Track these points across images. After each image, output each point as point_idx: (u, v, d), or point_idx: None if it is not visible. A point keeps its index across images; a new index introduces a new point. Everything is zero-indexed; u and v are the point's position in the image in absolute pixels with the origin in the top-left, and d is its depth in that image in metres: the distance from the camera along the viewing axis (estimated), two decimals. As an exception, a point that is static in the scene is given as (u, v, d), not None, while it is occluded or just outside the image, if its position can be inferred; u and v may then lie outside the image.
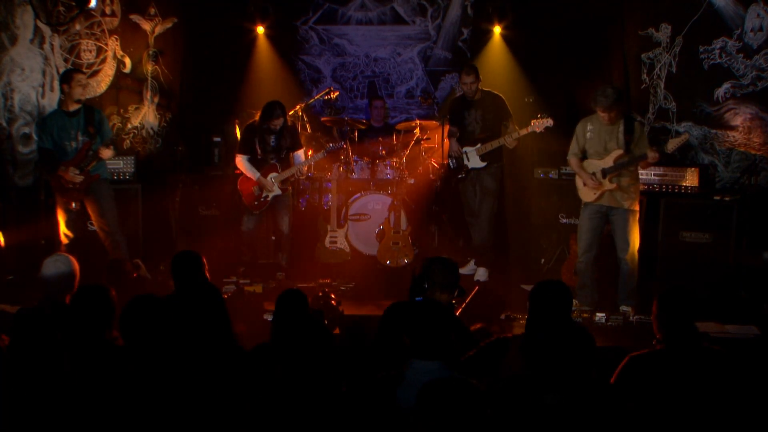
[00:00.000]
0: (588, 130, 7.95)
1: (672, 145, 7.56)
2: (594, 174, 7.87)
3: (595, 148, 7.91)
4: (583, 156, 8.04)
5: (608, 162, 7.79)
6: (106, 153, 8.23)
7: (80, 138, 8.20)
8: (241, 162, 9.25)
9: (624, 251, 7.88)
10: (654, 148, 7.57)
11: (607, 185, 7.80)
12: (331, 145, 9.70)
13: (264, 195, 9.12)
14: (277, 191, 9.11)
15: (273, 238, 9.85)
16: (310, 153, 10.26)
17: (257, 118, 9.16)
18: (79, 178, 8.12)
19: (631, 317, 7.67)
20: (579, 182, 8.09)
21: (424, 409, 3.32)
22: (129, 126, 8.41)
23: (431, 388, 3.39)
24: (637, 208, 7.89)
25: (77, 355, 4.34)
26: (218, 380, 4.31)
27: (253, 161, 9.22)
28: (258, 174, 9.09)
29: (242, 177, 9.28)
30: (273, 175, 9.10)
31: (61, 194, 8.22)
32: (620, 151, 7.72)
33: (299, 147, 9.40)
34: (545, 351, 3.94)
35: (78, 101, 8.19)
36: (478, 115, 9.27)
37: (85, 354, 4.44)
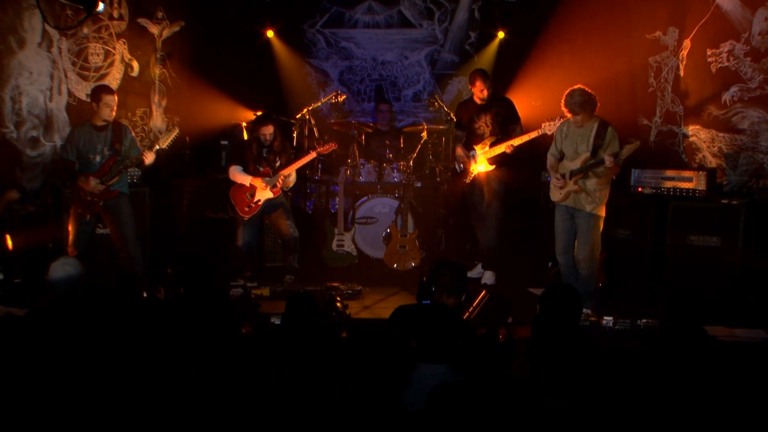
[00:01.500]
0: (564, 132, 8.02)
1: (626, 151, 7.59)
2: (564, 175, 7.92)
3: (568, 150, 7.97)
4: (562, 157, 8.07)
5: (576, 164, 7.81)
6: (150, 156, 8.28)
7: (106, 153, 8.24)
8: (234, 171, 9.17)
9: (581, 254, 7.88)
10: (611, 153, 7.57)
11: (571, 186, 7.83)
12: (321, 147, 9.56)
13: (256, 200, 9.07)
14: (268, 194, 9.07)
15: (280, 241, 9.83)
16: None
17: (246, 138, 9.23)
18: (100, 188, 8.14)
19: (638, 321, 7.64)
20: (551, 183, 8.13)
21: (433, 412, 3.31)
22: (161, 146, 8.42)
23: (440, 393, 3.38)
24: (601, 213, 7.85)
25: (91, 356, 4.35)
26: (226, 382, 4.31)
27: (246, 172, 9.18)
28: (250, 178, 9.06)
29: (234, 186, 9.18)
30: (266, 179, 9.08)
31: (77, 205, 8.23)
32: (587, 154, 7.74)
33: (293, 163, 9.32)
34: (551, 355, 3.93)
35: (106, 120, 8.24)
36: (487, 119, 9.26)
37: (99, 354, 4.45)
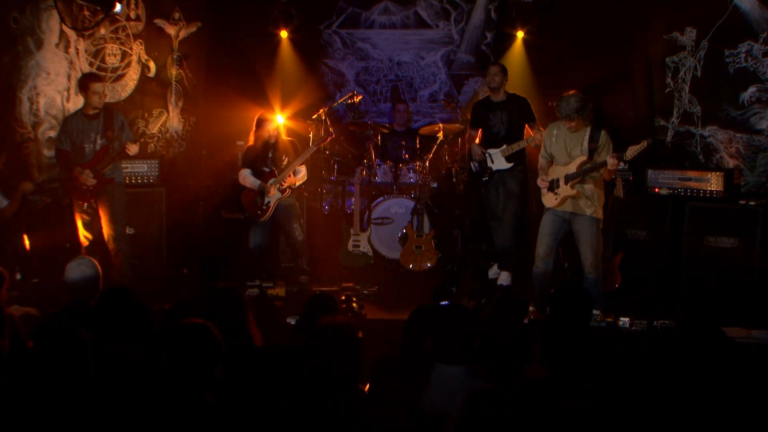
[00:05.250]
0: (554, 135, 7.89)
1: (631, 152, 7.44)
2: (557, 180, 7.81)
3: (560, 154, 7.83)
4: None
5: (572, 168, 7.70)
6: (133, 148, 8.30)
7: (99, 141, 8.29)
8: (243, 175, 9.33)
9: (588, 260, 7.76)
10: (614, 155, 7.48)
11: (568, 191, 7.71)
12: (318, 138, 9.79)
13: (266, 201, 9.13)
14: (277, 194, 9.12)
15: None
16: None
17: (251, 141, 9.30)
18: (92, 182, 8.19)
19: (655, 322, 7.61)
20: (542, 188, 8.04)
21: (470, 420, 3.28)
22: (151, 131, 8.46)
23: (476, 399, 3.35)
24: (600, 216, 7.78)
25: (105, 358, 4.35)
26: (243, 381, 4.31)
27: (255, 175, 9.28)
28: (259, 182, 9.16)
29: (245, 191, 9.32)
30: (271, 180, 9.13)
31: (75, 195, 8.31)
32: (584, 158, 7.65)
33: (300, 163, 9.38)
34: (562, 355, 3.93)
35: (96, 108, 8.28)
36: (503, 117, 9.25)
37: (113, 357, 4.46)
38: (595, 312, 7.61)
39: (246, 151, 9.48)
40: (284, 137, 9.43)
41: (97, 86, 8.26)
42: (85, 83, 8.33)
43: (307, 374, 3.97)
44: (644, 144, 7.47)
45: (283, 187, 9.13)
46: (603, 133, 7.65)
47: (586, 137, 7.65)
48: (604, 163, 7.50)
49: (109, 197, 8.40)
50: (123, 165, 8.76)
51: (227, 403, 3.97)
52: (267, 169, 9.20)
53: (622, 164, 7.73)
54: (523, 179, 9.40)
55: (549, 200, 7.93)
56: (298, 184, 9.35)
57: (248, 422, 3.91)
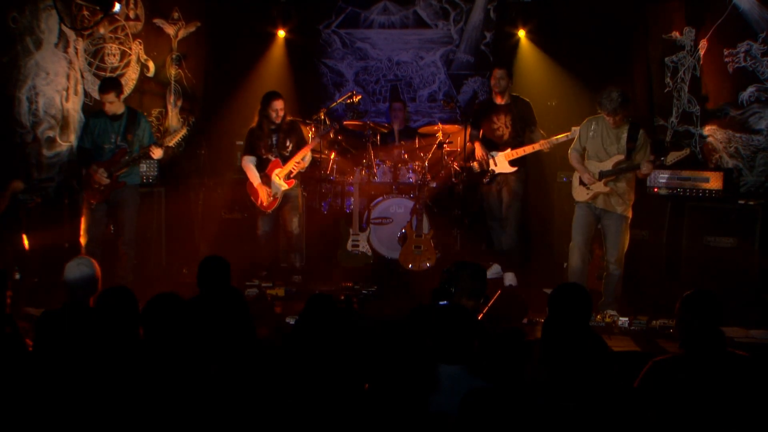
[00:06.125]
0: (591, 130, 7.92)
1: (672, 157, 7.51)
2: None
3: (596, 150, 7.88)
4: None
5: (607, 165, 7.74)
6: (157, 152, 8.32)
7: (118, 143, 8.29)
8: (246, 164, 9.38)
9: (613, 255, 7.87)
10: (651, 159, 7.52)
11: (601, 188, 7.77)
12: (322, 128, 9.81)
13: (273, 192, 9.17)
14: (283, 185, 9.15)
15: (284, 238, 9.85)
16: (332, 155, 10.37)
17: (255, 122, 9.30)
18: (105, 182, 8.19)
19: (654, 321, 7.61)
20: (575, 180, 8.07)
21: (467, 420, 3.27)
22: (167, 144, 8.47)
23: (473, 399, 3.34)
24: (630, 214, 7.86)
25: (104, 356, 4.36)
26: (242, 380, 4.32)
27: (259, 162, 9.33)
28: (258, 180, 9.22)
29: (249, 181, 9.37)
30: (276, 171, 9.15)
31: (88, 193, 8.31)
32: (621, 157, 7.68)
33: (304, 144, 9.43)
34: (562, 356, 3.92)
35: (115, 112, 8.29)
36: (507, 120, 9.25)
37: (112, 354, 4.46)
38: (611, 313, 7.63)
39: (249, 134, 9.43)
40: (289, 117, 9.42)
41: (106, 97, 8.25)
42: (99, 92, 8.44)
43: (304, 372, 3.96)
44: (687, 151, 7.59)
45: (293, 175, 9.16)
46: (641, 133, 7.68)
47: (624, 135, 7.68)
48: (639, 167, 7.55)
49: (122, 201, 8.40)
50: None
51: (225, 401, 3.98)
52: (271, 157, 9.21)
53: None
54: (525, 179, 9.40)
55: (580, 194, 7.99)
56: (305, 166, 9.41)
57: (247, 422, 3.91)
